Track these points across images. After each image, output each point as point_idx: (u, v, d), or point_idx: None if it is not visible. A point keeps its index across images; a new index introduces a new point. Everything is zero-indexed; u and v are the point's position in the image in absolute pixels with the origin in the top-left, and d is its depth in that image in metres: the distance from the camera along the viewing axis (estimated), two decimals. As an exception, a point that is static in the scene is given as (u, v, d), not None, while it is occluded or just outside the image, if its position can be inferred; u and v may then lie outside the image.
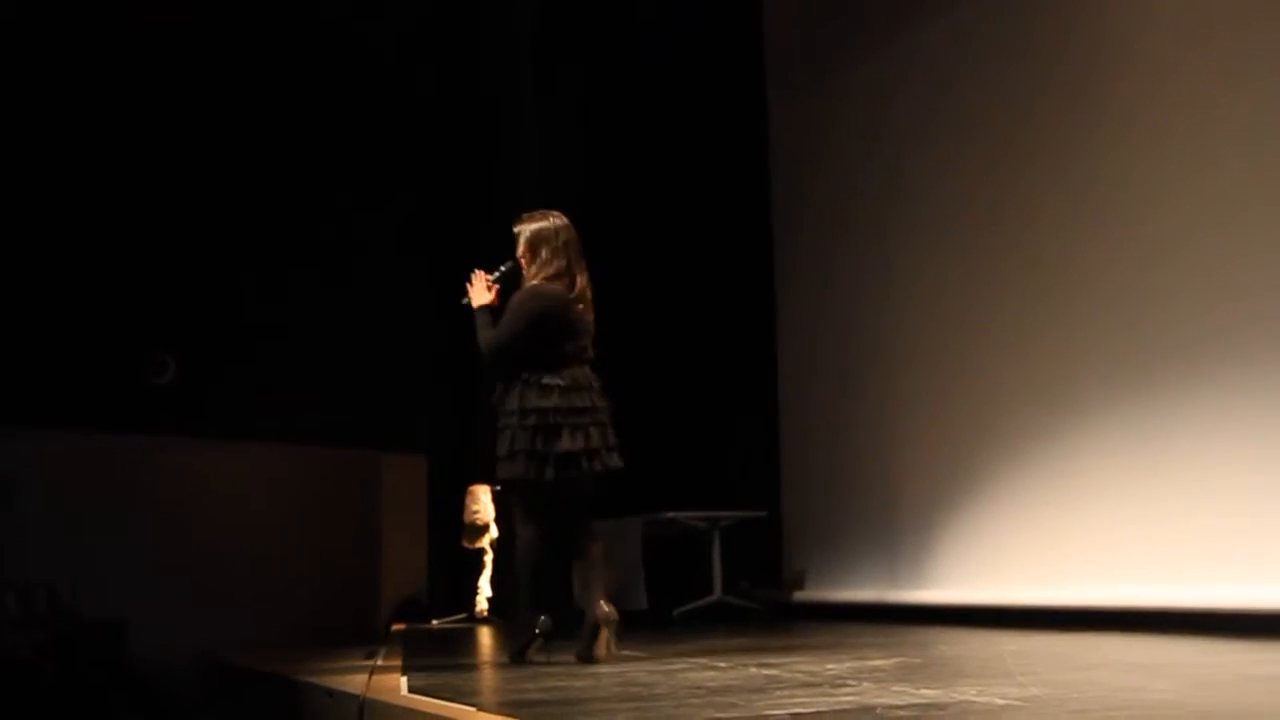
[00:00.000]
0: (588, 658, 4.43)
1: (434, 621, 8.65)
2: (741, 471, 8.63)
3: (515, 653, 4.59)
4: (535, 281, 4.63)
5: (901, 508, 7.32)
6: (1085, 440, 6.06)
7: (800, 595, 8.01)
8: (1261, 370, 5.14)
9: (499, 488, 8.74)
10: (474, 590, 8.83)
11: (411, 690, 3.63)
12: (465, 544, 8.84)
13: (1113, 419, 5.89)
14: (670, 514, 7.99)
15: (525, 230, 4.72)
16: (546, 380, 4.49)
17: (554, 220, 4.74)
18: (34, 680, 4.59)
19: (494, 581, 8.86)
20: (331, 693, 3.88)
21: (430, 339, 9.11)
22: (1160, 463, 5.64)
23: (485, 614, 8.74)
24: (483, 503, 8.76)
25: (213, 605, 7.21)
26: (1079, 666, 3.95)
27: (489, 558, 8.84)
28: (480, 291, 4.68)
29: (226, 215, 8.53)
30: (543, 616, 4.56)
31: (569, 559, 4.64)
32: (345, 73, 9.15)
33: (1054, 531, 6.21)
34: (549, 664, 4.42)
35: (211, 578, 7.39)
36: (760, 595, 8.12)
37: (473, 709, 3.05)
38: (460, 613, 8.79)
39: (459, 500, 8.89)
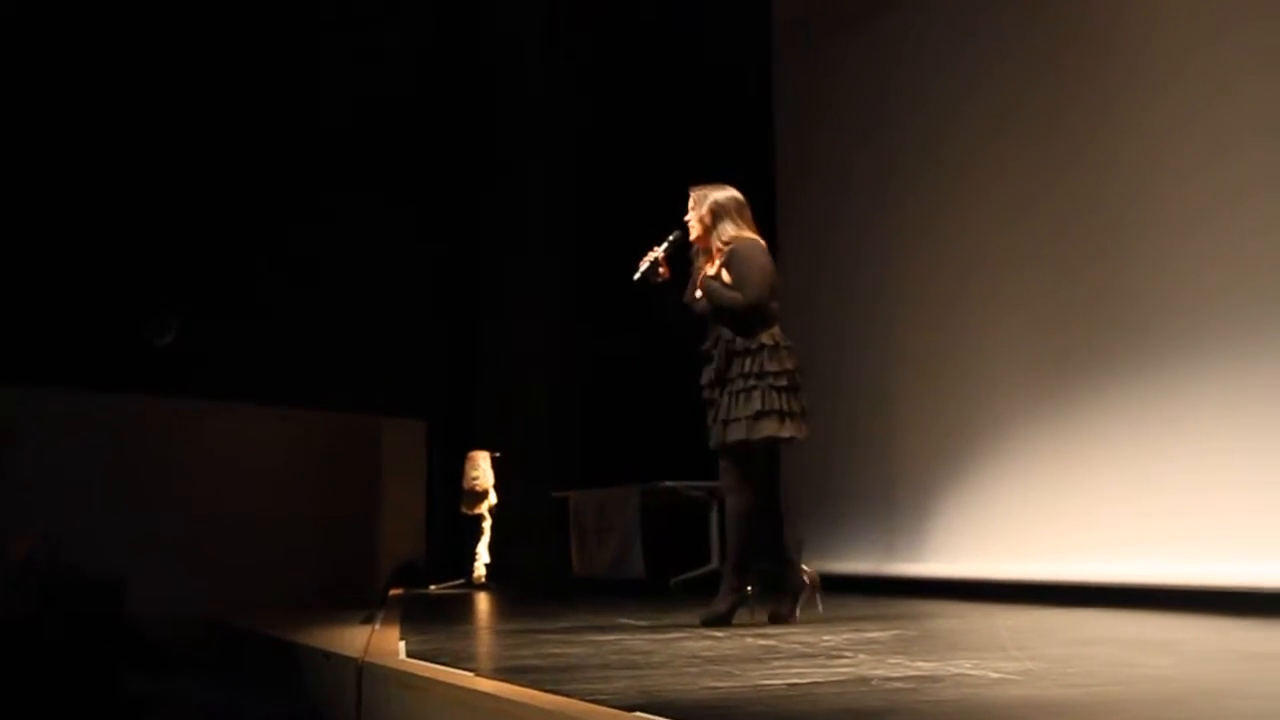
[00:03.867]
0: (788, 618, 4.55)
1: (432, 587, 8.67)
2: None
3: (722, 615, 4.53)
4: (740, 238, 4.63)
5: (899, 481, 7.31)
6: (1082, 416, 6.06)
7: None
8: (1255, 348, 5.13)
9: (497, 453, 8.89)
10: (472, 556, 8.85)
11: (409, 654, 3.64)
12: (464, 510, 8.86)
13: (1111, 395, 5.89)
14: (669, 483, 7.99)
15: (707, 198, 4.73)
16: (787, 341, 4.58)
17: (730, 190, 4.77)
18: (35, 635, 4.62)
19: (492, 548, 8.90)
20: (329, 655, 3.90)
21: (431, 306, 9.13)
22: (1157, 439, 5.63)
23: (483, 580, 8.77)
24: (482, 469, 8.77)
25: (212, 566, 7.24)
26: (1074, 641, 3.97)
27: (487, 524, 8.86)
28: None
29: (231, 178, 8.52)
30: (748, 579, 4.59)
31: (770, 521, 4.69)
32: (351, 36, 9.11)
33: (1051, 506, 6.20)
34: (750, 626, 4.45)
35: (211, 539, 7.41)
36: (757, 565, 8.11)
37: (470, 674, 3.07)
38: (458, 579, 8.81)
39: (459, 466, 8.91)
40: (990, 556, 6.44)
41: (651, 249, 4.72)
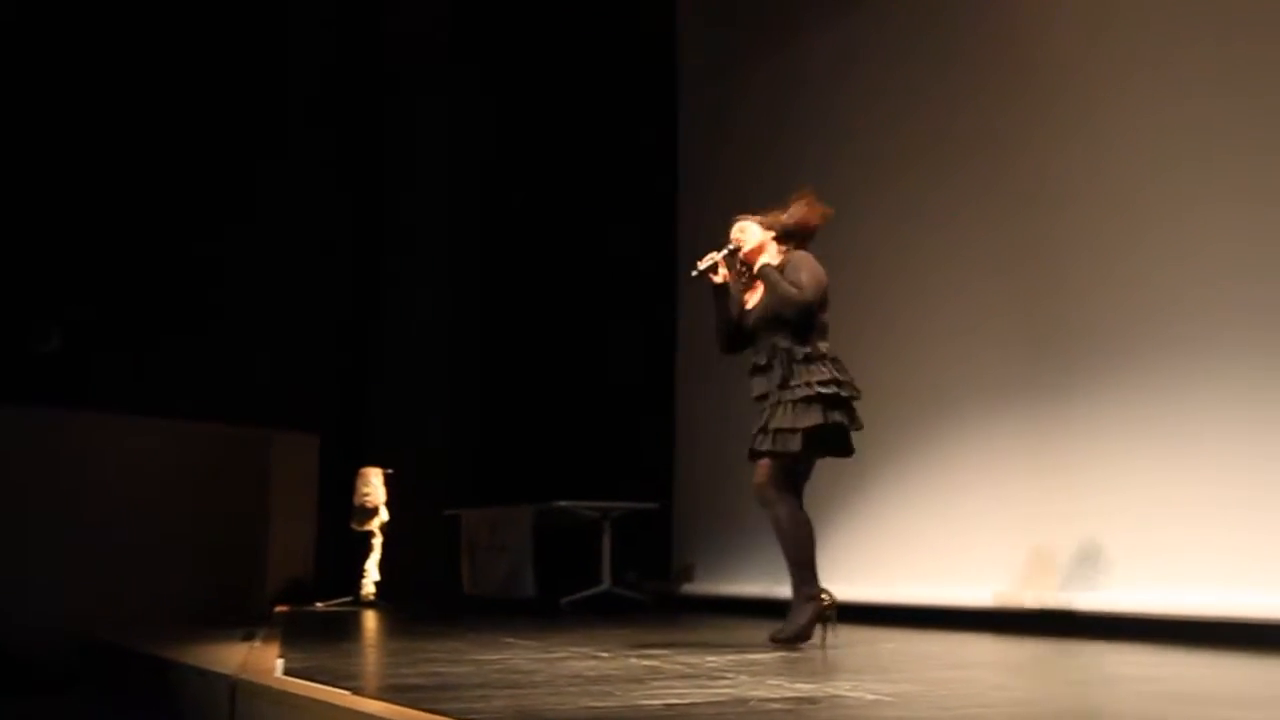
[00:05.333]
0: (805, 639, 4.44)
1: (319, 604, 8.52)
2: (636, 463, 8.62)
3: (803, 628, 4.43)
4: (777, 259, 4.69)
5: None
6: (971, 442, 6.15)
7: (688, 588, 8.03)
8: (1186, 364, 5.18)
9: (390, 470, 8.78)
10: (361, 573, 8.72)
11: (286, 672, 3.57)
12: (354, 527, 8.73)
13: (996, 421, 5.99)
14: (562, 503, 7.97)
15: (759, 218, 4.79)
16: (837, 355, 4.57)
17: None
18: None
19: (382, 565, 8.78)
20: (203, 673, 3.81)
21: (326, 318, 9.00)
22: (1044, 465, 5.71)
23: (372, 598, 8.64)
24: (374, 485, 8.65)
25: (90, 582, 7.03)
26: (952, 665, 4.03)
27: (377, 541, 8.74)
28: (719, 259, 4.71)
29: (117, 186, 8.32)
30: (824, 592, 4.49)
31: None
32: (249, 40, 8.97)
33: (938, 531, 6.29)
34: (824, 645, 4.40)
35: (90, 555, 7.20)
36: (648, 587, 8.15)
37: (347, 692, 3.01)
38: (347, 596, 8.68)
39: (350, 481, 8.78)
40: (878, 580, 6.43)
41: (713, 251, 4.75)
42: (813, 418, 4.40)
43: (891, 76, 6.99)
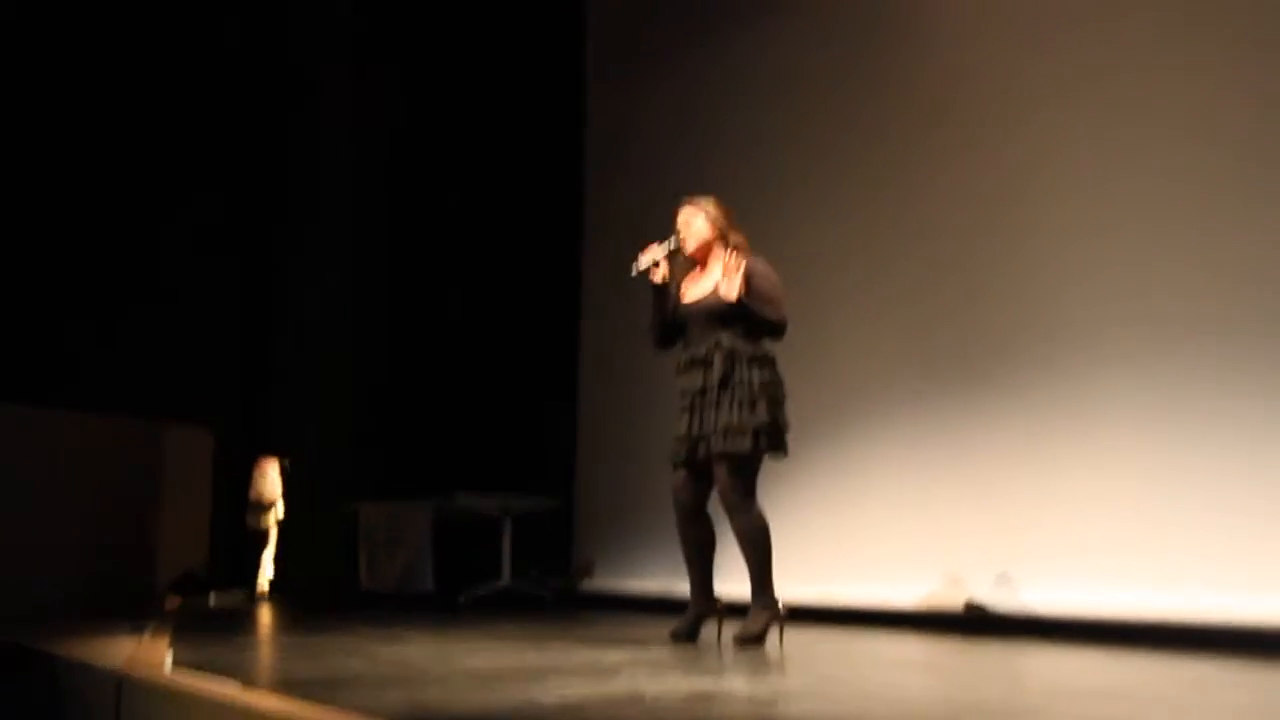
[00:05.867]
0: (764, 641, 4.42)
1: (213, 598, 8.38)
2: (538, 457, 8.59)
3: (757, 634, 4.41)
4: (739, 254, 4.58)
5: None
6: (876, 441, 6.29)
7: (589, 585, 8.05)
8: (1113, 372, 5.34)
9: (287, 462, 8.66)
10: (256, 567, 8.59)
11: (176, 666, 3.49)
12: (250, 520, 8.59)
13: (902, 420, 6.15)
14: (461, 497, 7.91)
15: (709, 207, 4.71)
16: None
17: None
18: None
19: (278, 559, 8.66)
20: (88, 667, 3.71)
21: (220, 311, 8.80)
22: (947, 463, 5.90)
23: (267, 592, 8.52)
24: (270, 478, 8.54)
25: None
26: (850, 663, 4.08)
27: (273, 534, 8.62)
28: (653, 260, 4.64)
29: (11, 174, 8.06)
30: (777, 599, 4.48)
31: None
32: (142, 34, 8.73)
33: (841, 529, 6.40)
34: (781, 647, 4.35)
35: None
36: (548, 584, 8.13)
37: (237, 686, 2.96)
38: (242, 590, 8.54)
39: (246, 474, 8.64)
40: (781, 578, 6.45)
41: (650, 246, 4.67)
42: (761, 415, 4.37)
43: (803, 92, 7.09)
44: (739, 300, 4.46)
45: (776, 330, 4.50)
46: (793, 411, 4.58)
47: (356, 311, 9.21)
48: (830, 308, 6.64)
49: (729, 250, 4.54)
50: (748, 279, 4.50)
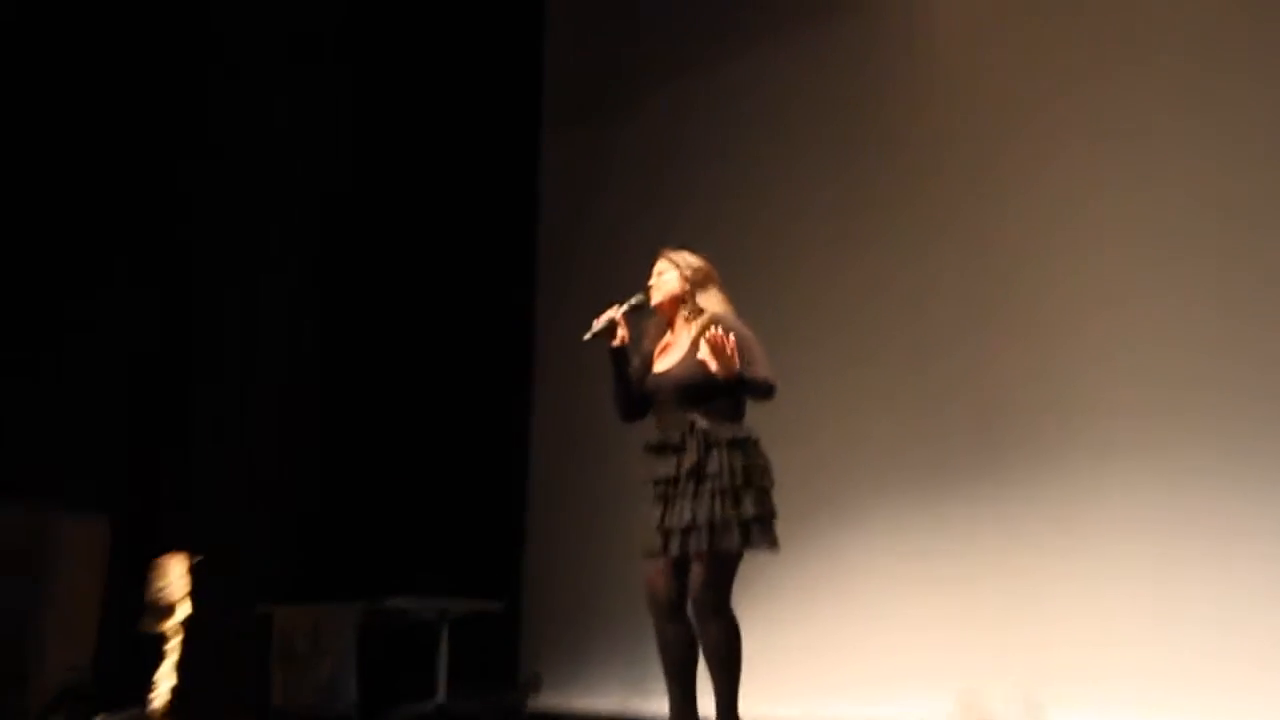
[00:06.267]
0: None
1: (101, 717, 7.45)
2: (481, 553, 7.97)
3: None
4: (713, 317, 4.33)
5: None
6: (871, 535, 6.08)
7: (535, 702, 7.48)
8: (1071, 474, 5.20)
9: (199, 558, 7.81)
10: (154, 681, 7.60)
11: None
12: (148, 625, 7.53)
13: (900, 513, 5.96)
14: (392, 601, 7.23)
15: (686, 261, 4.50)
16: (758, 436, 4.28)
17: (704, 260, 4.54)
18: None
19: (180, 670, 7.67)
20: None
21: (118, 390, 7.96)
22: (952, 565, 5.68)
23: (165, 710, 7.57)
24: (172, 577, 7.50)
25: None
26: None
27: (175, 642, 7.60)
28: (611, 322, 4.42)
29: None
30: None
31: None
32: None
33: (829, 639, 6.10)
34: None
35: None
36: (489, 701, 7.45)
37: None
38: (135, 707, 7.61)
39: (144, 573, 7.48)
40: (770, 696, 5.82)
41: (611, 305, 4.46)
42: (746, 509, 4.13)
43: (784, 143, 6.79)
44: (738, 375, 4.14)
45: (768, 393, 4.27)
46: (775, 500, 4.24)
47: (279, 389, 8.38)
48: (816, 384, 6.29)
49: (702, 321, 4.25)
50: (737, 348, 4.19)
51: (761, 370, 4.19)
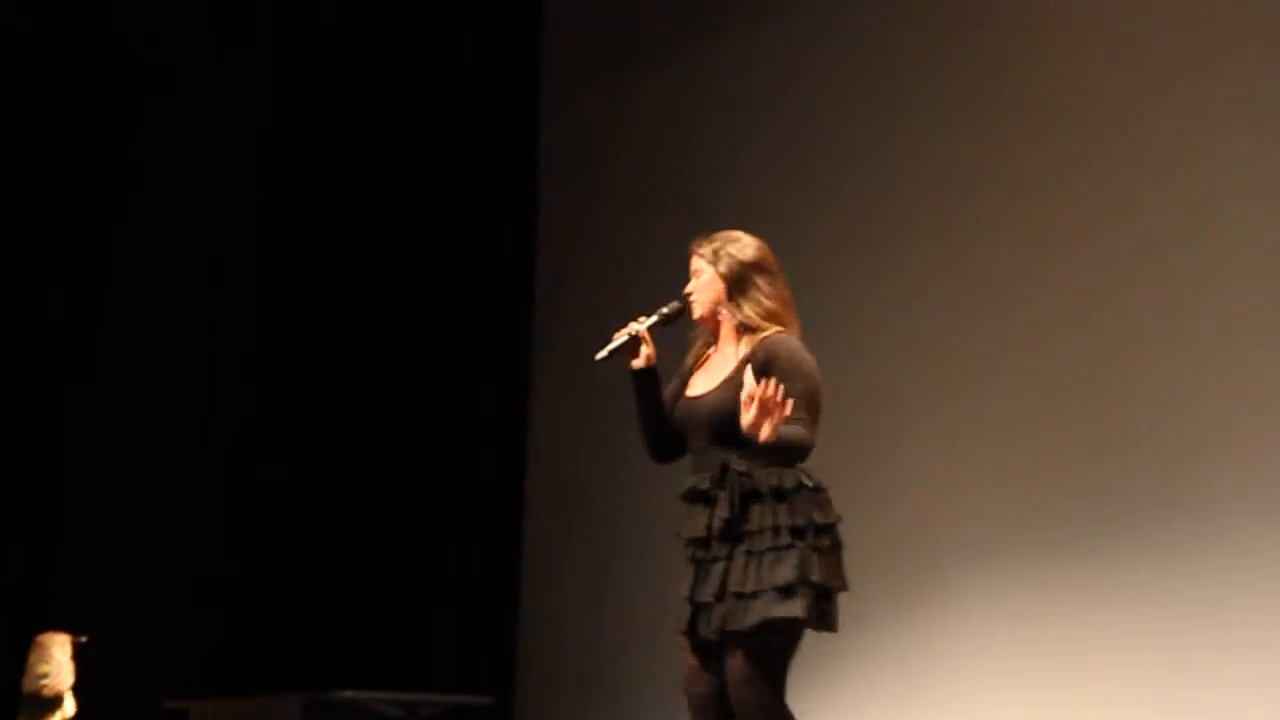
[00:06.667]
0: None
1: None
2: (459, 642, 7.16)
3: None
4: (773, 327, 3.71)
5: (665, 696, 5.98)
6: (970, 613, 5.59)
7: None
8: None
9: (82, 639, 6.50)
10: (29, 795, 6.50)
11: None
12: (23, 721, 6.65)
13: (1008, 584, 5.52)
14: (348, 693, 6.31)
15: (725, 253, 3.80)
16: (822, 484, 3.63)
17: (755, 242, 3.84)
18: None
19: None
20: None
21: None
22: (1072, 644, 5.28)
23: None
24: (57, 662, 6.47)
25: None
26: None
27: (58, 742, 6.65)
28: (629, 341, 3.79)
29: None
30: None
31: None
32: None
33: None
34: None
35: None
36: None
37: None
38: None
39: (22, 657, 6.48)
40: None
41: (635, 319, 3.84)
42: (782, 574, 3.48)
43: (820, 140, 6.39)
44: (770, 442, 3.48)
45: (802, 454, 3.63)
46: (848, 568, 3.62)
47: (201, 428, 7.36)
48: (904, 428, 5.83)
49: (755, 346, 3.64)
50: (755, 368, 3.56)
51: (800, 427, 3.53)
